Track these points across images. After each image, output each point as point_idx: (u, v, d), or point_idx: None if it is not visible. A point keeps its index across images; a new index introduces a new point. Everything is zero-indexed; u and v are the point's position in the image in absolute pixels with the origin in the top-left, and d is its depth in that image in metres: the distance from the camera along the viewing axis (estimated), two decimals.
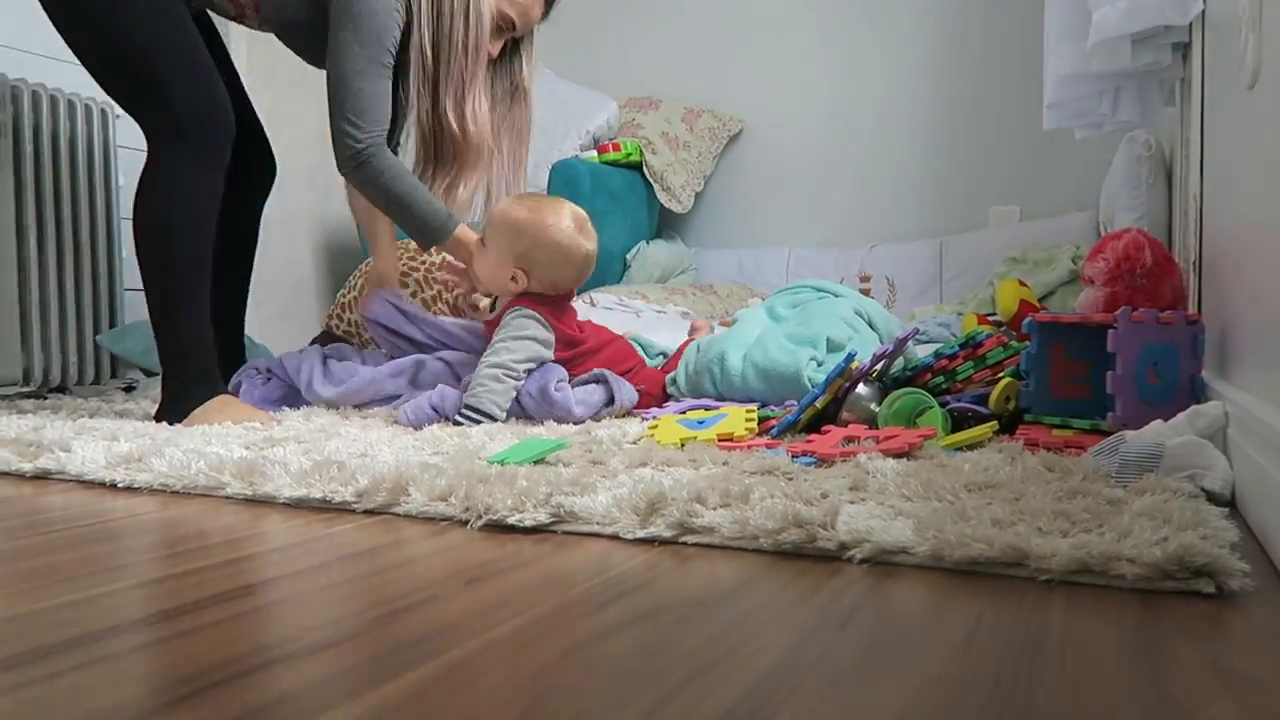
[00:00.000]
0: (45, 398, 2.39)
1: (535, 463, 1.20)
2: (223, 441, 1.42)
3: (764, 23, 3.70)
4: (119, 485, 1.21)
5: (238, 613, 0.70)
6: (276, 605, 0.73)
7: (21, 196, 2.36)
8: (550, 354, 1.73)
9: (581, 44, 3.94)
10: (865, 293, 3.37)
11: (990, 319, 2.21)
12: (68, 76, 2.61)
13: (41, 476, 1.29)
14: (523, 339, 1.70)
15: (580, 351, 1.79)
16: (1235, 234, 1.31)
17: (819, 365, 1.68)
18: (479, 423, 1.59)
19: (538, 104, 3.62)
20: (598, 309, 2.77)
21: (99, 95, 2.64)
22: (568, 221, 1.77)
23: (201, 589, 0.76)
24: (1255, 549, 0.86)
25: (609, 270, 3.35)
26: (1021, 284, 2.03)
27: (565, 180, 3.19)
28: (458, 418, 1.61)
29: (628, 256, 3.44)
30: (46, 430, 1.56)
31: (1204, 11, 1.70)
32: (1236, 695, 0.54)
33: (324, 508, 1.07)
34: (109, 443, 1.39)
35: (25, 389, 2.44)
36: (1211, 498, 0.99)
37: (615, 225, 3.35)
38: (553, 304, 1.77)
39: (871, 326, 1.87)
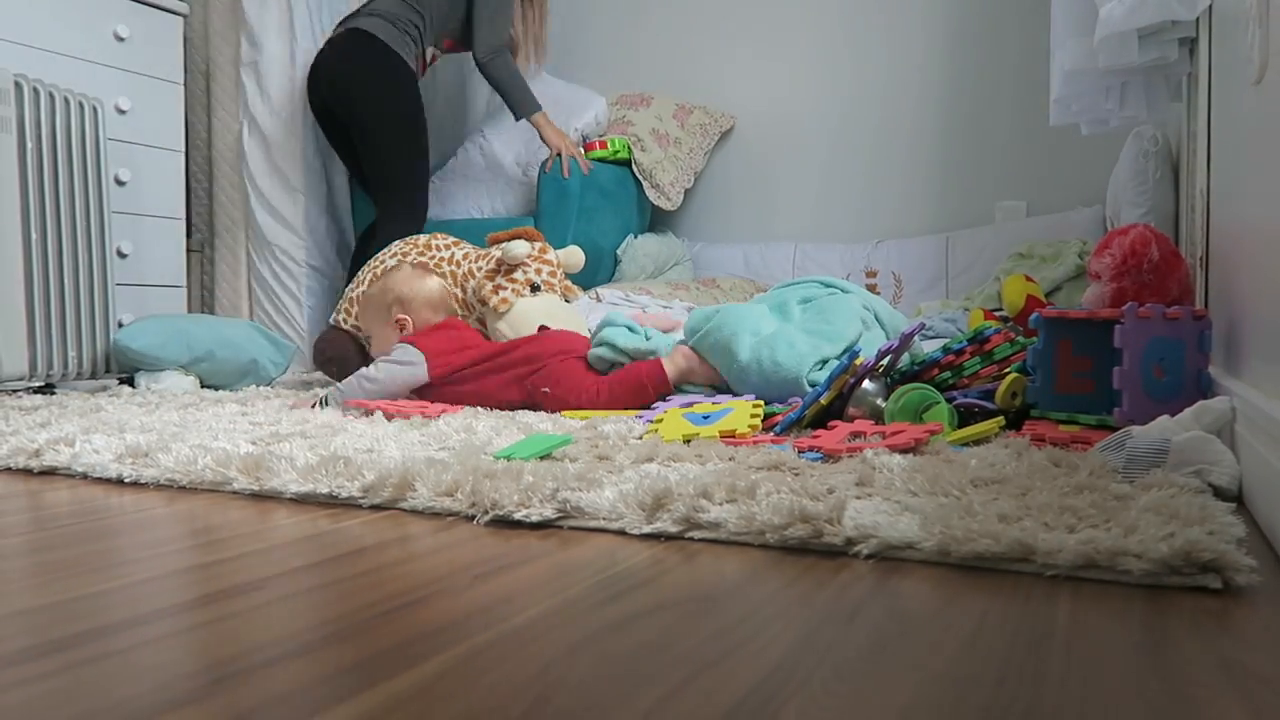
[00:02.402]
0: (53, 392, 2.40)
1: (541, 458, 1.20)
2: (229, 437, 1.42)
3: (759, 18, 3.69)
4: (125, 480, 1.22)
5: (244, 608, 0.70)
6: (283, 600, 0.73)
7: (25, 192, 2.37)
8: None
9: (573, 41, 3.94)
10: (871, 289, 3.37)
11: (997, 314, 2.21)
12: (60, 71, 2.62)
13: (48, 472, 1.30)
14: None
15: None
16: (1242, 229, 1.30)
17: (823, 365, 1.68)
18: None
19: None
20: (603, 304, 2.77)
21: (90, 90, 2.65)
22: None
23: (207, 584, 0.77)
24: (1262, 544, 0.86)
25: (600, 266, 3.35)
26: (1028, 279, 2.02)
27: (554, 178, 3.19)
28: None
29: (618, 252, 3.45)
30: (53, 426, 1.56)
31: (1211, 6, 1.69)
32: (1243, 691, 0.54)
33: (330, 503, 1.08)
34: (115, 438, 1.39)
35: (31, 384, 2.45)
36: (1218, 493, 0.99)
37: (605, 222, 3.35)
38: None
39: (879, 322, 1.87)
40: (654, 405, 1.73)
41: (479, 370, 1.94)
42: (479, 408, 1.89)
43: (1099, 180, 2.98)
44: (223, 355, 2.50)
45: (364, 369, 1.95)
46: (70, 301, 2.51)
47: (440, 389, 1.95)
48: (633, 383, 1.81)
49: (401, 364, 1.94)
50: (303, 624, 0.66)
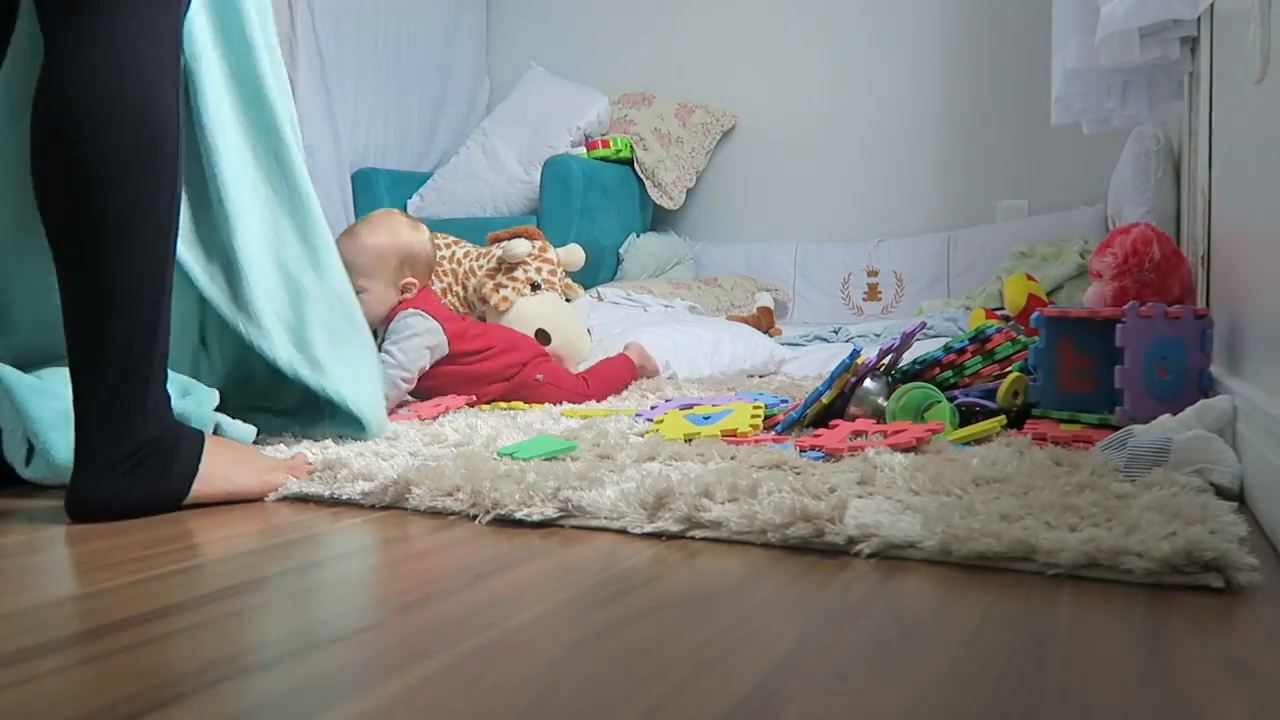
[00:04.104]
0: None
1: (544, 459, 1.20)
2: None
3: (761, 18, 3.69)
4: None
5: (245, 607, 0.70)
6: (284, 600, 0.73)
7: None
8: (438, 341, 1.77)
9: (575, 40, 3.94)
10: (873, 288, 3.37)
11: (998, 313, 2.21)
12: None
13: None
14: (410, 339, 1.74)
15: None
16: (1244, 228, 1.30)
17: None
18: None
19: (530, 101, 3.62)
20: (605, 303, 2.77)
21: None
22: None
23: (208, 584, 0.77)
24: (1264, 544, 0.86)
25: (603, 265, 3.36)
26: (1029, 278, 2.02)
27: (558, 176, 3.20)
28: None
29: (620, 250, 3.45)
30: None
31: (1212, 5, 1.69)
32: (1245, 690, 0.54)
33: (332, 502, 1.08)
34: None
35: None
36: (1220, 492, 0.98)
37: (608, 221, 3.36)
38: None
39: None
40: (655, 406, 1.73)
41: (480, 357, 1.86)
42: (468, 401, 1.85)
43: (1100, 179, 2.97)
44: None
45: (386, 358, 1.68)
46: None
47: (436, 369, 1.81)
48: (610, 373, 2.06)
49: (419, 334, 1.72)
50: (303, 624, 0.66)
